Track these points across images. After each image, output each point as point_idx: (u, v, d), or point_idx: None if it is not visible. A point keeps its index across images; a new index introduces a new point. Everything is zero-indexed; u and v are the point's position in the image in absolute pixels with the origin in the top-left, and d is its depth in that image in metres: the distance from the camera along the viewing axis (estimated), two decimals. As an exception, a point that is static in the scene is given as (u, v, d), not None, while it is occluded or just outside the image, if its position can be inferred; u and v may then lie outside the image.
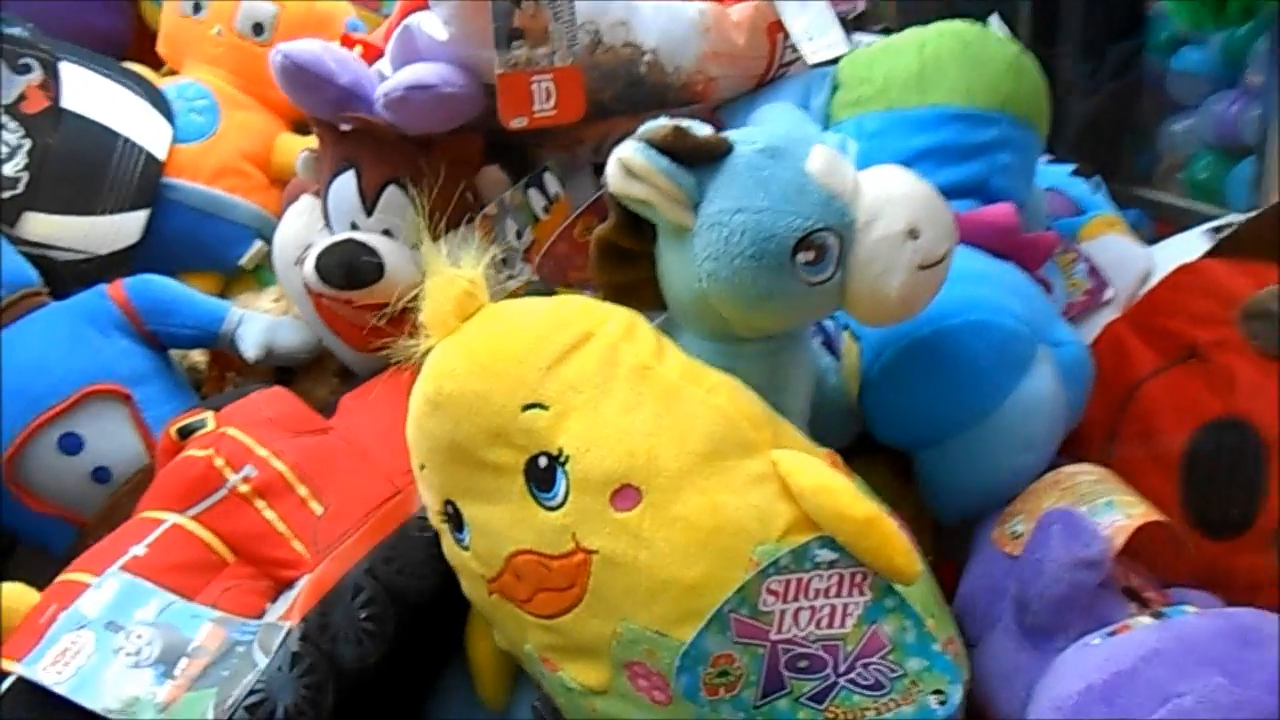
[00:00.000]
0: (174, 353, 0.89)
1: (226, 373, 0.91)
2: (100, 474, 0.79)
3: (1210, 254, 0.83)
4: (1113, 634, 0.55)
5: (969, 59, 0.79)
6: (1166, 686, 0.49)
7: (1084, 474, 0.69)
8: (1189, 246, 0.88)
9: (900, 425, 0.73)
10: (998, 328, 0.69)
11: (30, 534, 0.83)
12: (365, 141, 0.79)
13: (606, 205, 0.65)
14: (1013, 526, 0.68)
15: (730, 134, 0.62)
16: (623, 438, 0.55)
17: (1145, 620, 0.55)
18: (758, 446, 0.56)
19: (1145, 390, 0.78)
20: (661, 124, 0.61)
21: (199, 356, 0.93)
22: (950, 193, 0.77)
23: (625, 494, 0.54)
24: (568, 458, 0.55)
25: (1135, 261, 0.87)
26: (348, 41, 0.85)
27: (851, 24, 1.07)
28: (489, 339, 0.58)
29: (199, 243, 1.00)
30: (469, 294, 0.60)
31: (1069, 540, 0.59)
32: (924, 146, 0.78)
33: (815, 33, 0.84)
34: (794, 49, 0.86)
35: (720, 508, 0.54)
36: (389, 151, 0.78)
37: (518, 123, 0.73)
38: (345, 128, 0.80)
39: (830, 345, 0.79)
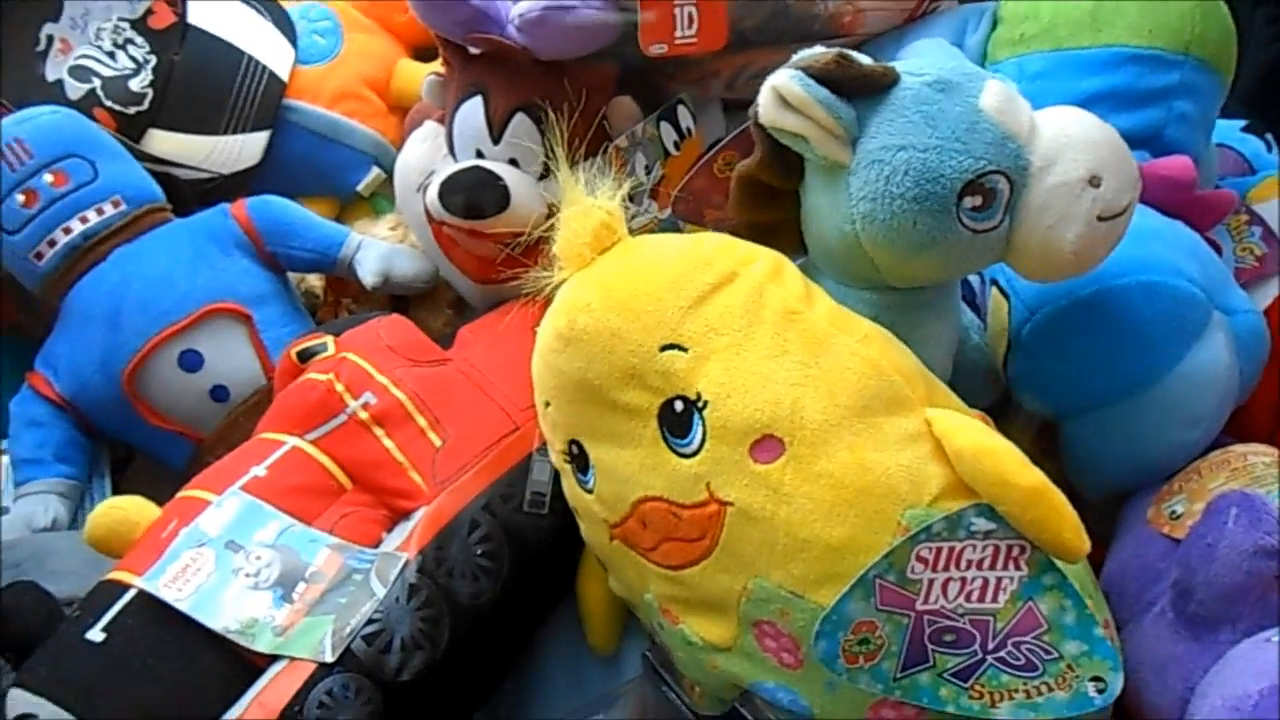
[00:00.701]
0: (291, 277, 0.89)
1: (342, 299, 0.90)
2: (218, 392, 0.79)
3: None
4: (1296, 631, 0.50)
5: (1151, -4, 0.72)
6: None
7: (1258, 455, 0.63)
8: (1376, 214, 0.80)
9: (1051, 391, 0.68)
10: (1170, 290, 0.63)
11: (148, 448, 0.83)
12: (494, 66, 0.75)
13: (751, 139, 0.61)
14: (1171, 506, 0.63)
15: (897, 64, 0.57)
16: (766, 385, 0.52)
17: (1336, 618, 0.50)
18: (911, 403, 0.52)
19: (1320, 368, 0.71)
20: (821, 51, 0.56)
21: (316, 281, 0.92)
22: None
23: (766, 445, 0.51)
24: (706, 403, 0.52)
25: (1315, 227, 0.80)
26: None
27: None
28: (627, 274, 0.55)
29: (317, 167, 0.98)
30: (606, 226, 0.57)
31: (1249, 525, 0.53)
32: (1094, 90, 0.72)
33: (976, -37, 0.77)
34: (950, -19, 0.80)
35: (869, 466, 0.50)
36: (519, 77, 0.75)
37: (657, 49, 0.69)
38: (475, 51, 0.77)
39: (972, 301, 0.74)
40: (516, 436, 0.67)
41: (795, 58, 0.57)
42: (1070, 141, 0.56)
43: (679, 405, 0.53)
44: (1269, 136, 0.94)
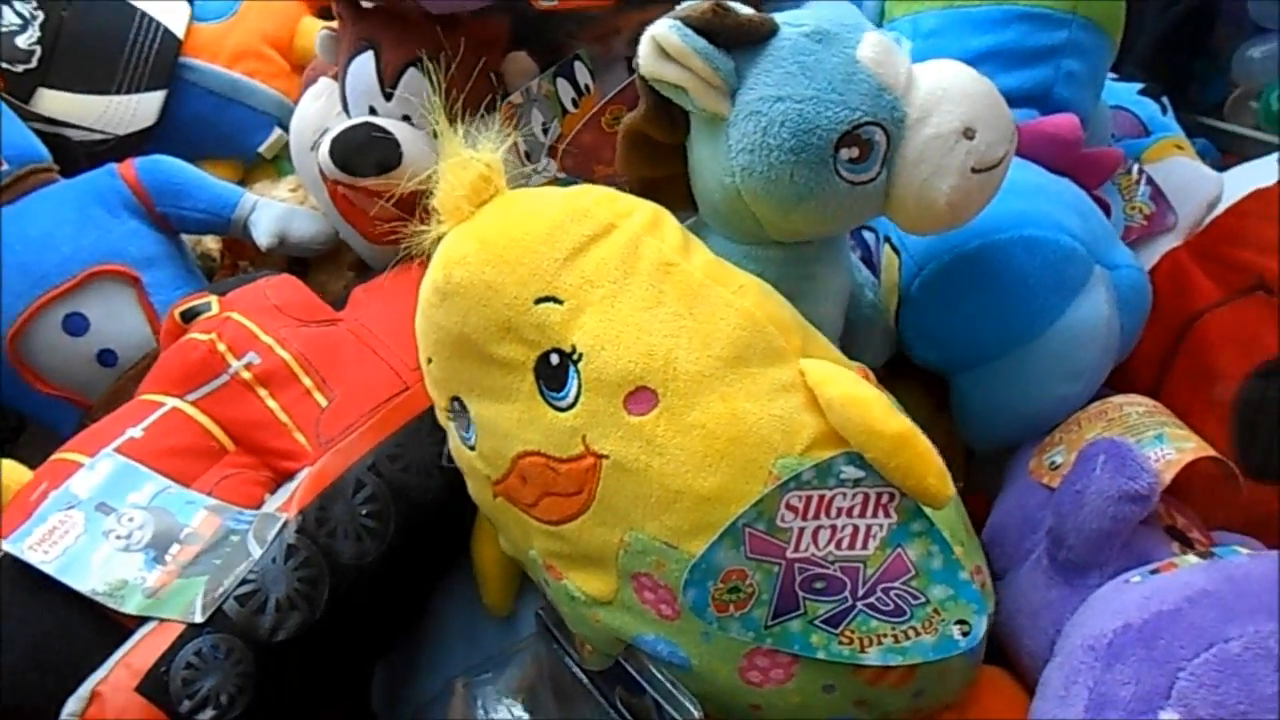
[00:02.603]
0: (187, 239, 0.86)
1: (239, 261, 0.88)
2: (106, 356, 0.77)
3: (1287, 181, 0.77)
4: (1155, 572, 0.51)
5: (1040, -46, 0.72)
6: (1213, 630, 0.45)
7: (1134, 405, 0.64)
8: (1261, 174, 0.82)
9: (939, 345, 0.68)
10: (1052, 244, 0.64)
11: (38, 415, 0.81)
12: (386, 20, 0.74)
13: (637, 93, 0.60)
14: (1051, 457, 0.65)
15: (777, 15, 0.57)
16: (640, 337, 0.51)
17: (1192, 560, 0.51)
18: (785, 354, 0.52)
19: (1203, 323, 0.73)
20: (700, 2, 0.56)
21: (212, 243, 0.90)
22: (1010, 99, 0.71)
23: (640, 396, 0.51)
24: (581, 355, 0.52)
25: (1203, 186, 0.81)
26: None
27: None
28: (504, 226, 0.54)
29: (217, 128, 0.96)
30: (485, 179, 0.56)
31: (1115, 471, 0.55)
32: (984, 48, 0.73)
33: (872, -81, 0.77)
34: (849, -61, 0.80)
35: (741, 416, 0.50)
36: (411, 31, 0.73)
37: (548, 2, 0.68)
38: (366, 5, 0.75)
39: (869, 260, 0.75)
40: (405, 396, 0.66)
41: (676, 9, 0.56)
42: (946, 94, 0.56)
43: (554, 358, 0.53)
44: (1164, 100, 0.95)
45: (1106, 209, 0.79)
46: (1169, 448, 0.58)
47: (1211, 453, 0.59)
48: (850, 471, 0.50)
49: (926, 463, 0.49)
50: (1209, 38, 1.26)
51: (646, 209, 0.56)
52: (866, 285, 0.72)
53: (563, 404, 0.53)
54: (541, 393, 0.53)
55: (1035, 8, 0.72)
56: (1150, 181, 0.81)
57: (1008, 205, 0.64)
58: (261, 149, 0.96)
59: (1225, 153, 1.15)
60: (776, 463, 0.50)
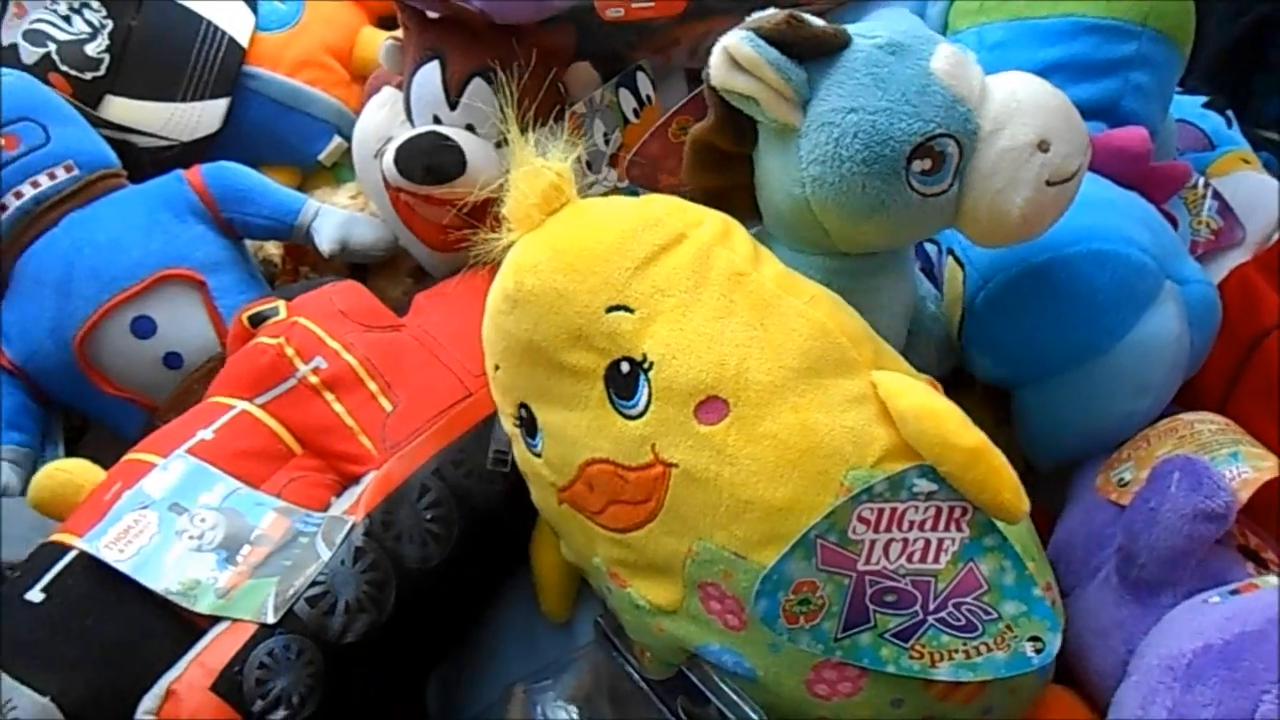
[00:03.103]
0: (249, 245, 0.88)
1: (300, 266, 0.89)
2: (171, 359, 0.78)
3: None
4: (1235, 593, 0.50)
5: (1111, -34, 0.72)
6: (1297, 652, 0.44)
7: (1205, 422, 0.63)
8: (1332, 189, 0.81)
9: (1004, 359, 0.68)
10: (1122, 259, 0.63)
11: (102, 416, 0.82)
12: (452, 30, 0.75)
13: (705, 103, 0.60)
14: (1119, 474, 0.64)
15: (849, 27, 0.57)
16: (712, 346, 0.51)
17: (1273, 580, 0.50)
18: (856, 366, 0.52)
19: (1272, 340, 0.72)
20: (773, 13, 0.56)
21: (274, 249, 0.91)
22: (1079, 113, 0.72)
23: (711, 406, 0.51)
24: (651, 364, 0.52)
25: (1270, 200, 0.80)
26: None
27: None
28: (575, 235, 0.55)
29: (278, 135, 0.97)
30: (556, 187, 0.56)
31: (1190, 489, 0.54)
32: (1052, 60, 0.72)
33: (939, -70, 0.77)
34: (913, -50, 0.80)
35: (813, 428, 0.50)
36: (476, 41, 0.74)
37: (614, 13, 0.69)
38: (432, 15, 0.76)
39: (930, 272, 0.74)
40: (469, 402, 0.66)
41: (749, 19, 0.57)
42: (1020, 106, 0.56)
43: (625, 366, 0.53)
44: (1229, 113, 0.94)
45: (1174, 223, 0.78)
46: (1245, 465, 0.57)
47: (1289, 472, 0.58)
48: (923, 485, 0.50)
49: (1002, 477, 0.49)
50: (1269, 52, 1.24)
51: (717, 219, 0.56)
52: (929, 298, 0.71)
53: (633, 412, 0.53)
54: (611, 401, 0.53)
55: (1104, 20, 0.71)
56: (1217, 195, 0.80)
57: (1077, 219, 0.63)
58: (321, 156, 0.97)
59: (1287, 167, 1.13)
60: (848, 474, 0.50)
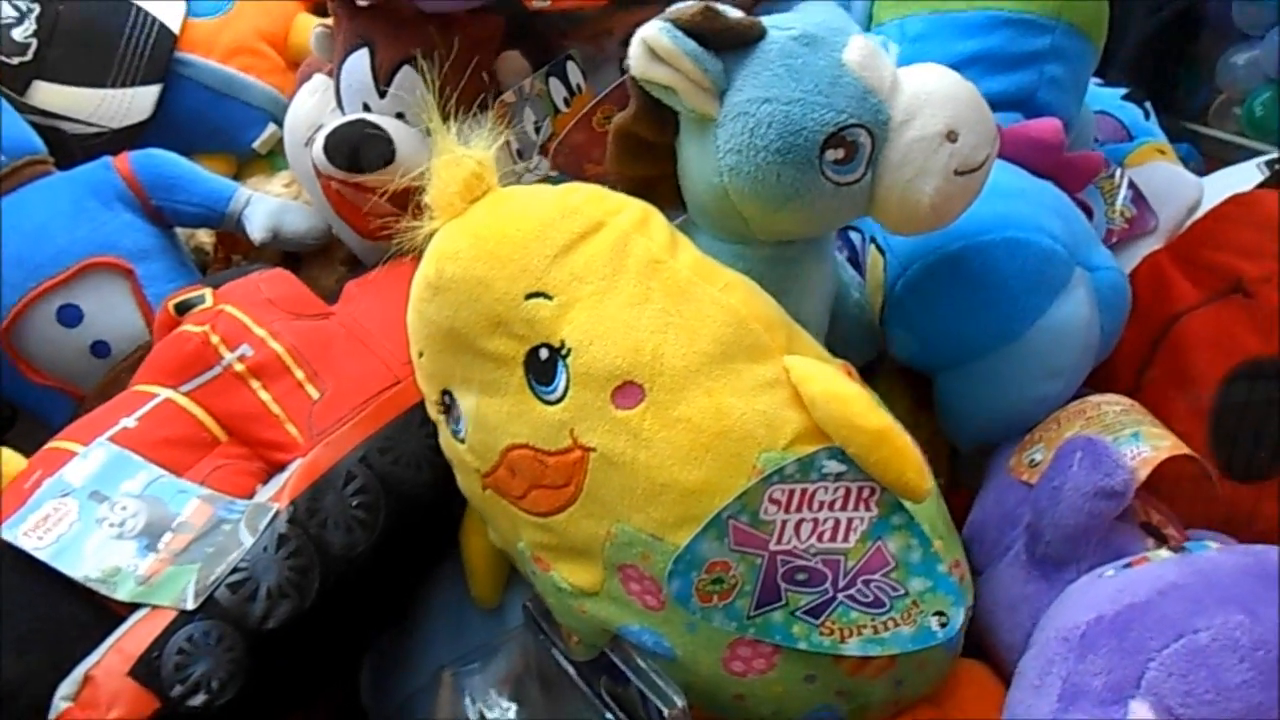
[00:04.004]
0: (181, 233, 0.87)
1: (232, 255, 0.89)
2: (99, 348, 0.78)
3: (1265, 184, 0.78)
4: (1128, 566, 0.52)
5: (1027, -40, 0.74)
6: (1182, 621, 0.46)
7: (1111, 404, 0.66)
8: (1242, 178, 0.84)
9: (922, 345, 0.70)
10: (1033, 246, 0.65)
11: (31, 405, 0.82)
12: (381, 18, 0.75)
13: (628, 93, 0.61)
14: (1031, 454, 0.66)
15: (765, 19, 0.58)
16: (628, 332, 0.52)
17: (1164, 554, 0.52)
18: (769, 350, 0.53)
19: (1182, 325, 0.74)
20: (690, 4, 0.57)
21: (206, 237, 0.90)
22: (994, 103, 0.72)
23: (627, 391, 0.52)
24: (569, 350, 0.53)
25: (1183, 191, 0.83)
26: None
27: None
28: (495, 223, 0.55)
29: (212, 123, 0.97)
30: (477, 175, 0.57)
31: (1090, 468, 0.56)
32: (970, 52, 0.74)
33: (862, -78, 0.78)
34: (839, -56, 0.81)
35: (726, 411, 0.51)
36: (405, 29, 0.74)
37: (540, 3, 0.69)
38: (361, 3, 0.76)
39: (855, 260, 0.76)
40: (397, 389, 0.66)
41: (667, 11, 0.57)
42: (930, 97, 0.57)
43: (544, 353, 0.54)
44: (1147, 105, 0.97)
45: (1089, 212, 0.81)
46: (1144, 445, 0.59)
47: (1186, 451, 0.60)
48: (832, 466, 0.51)
49: (905, 458, 0.50)
50: (1194, 44, 1.27)
51: (636, 207, 0.57)
52: (852, 284, 0.73)
53: (552, 398, 0.53)
54: (531, 387, 0.54)
55: (1020, 13, 0.73)
56: (1132, 185, 0.83)
57: (990, 207, 0.65)
58: (256, 144, 0.96)
59: (1208, 158, 1.17)
60: (760, 457, 0.51)
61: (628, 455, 0.52)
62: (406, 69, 0.74)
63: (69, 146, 0.91)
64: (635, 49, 0.57)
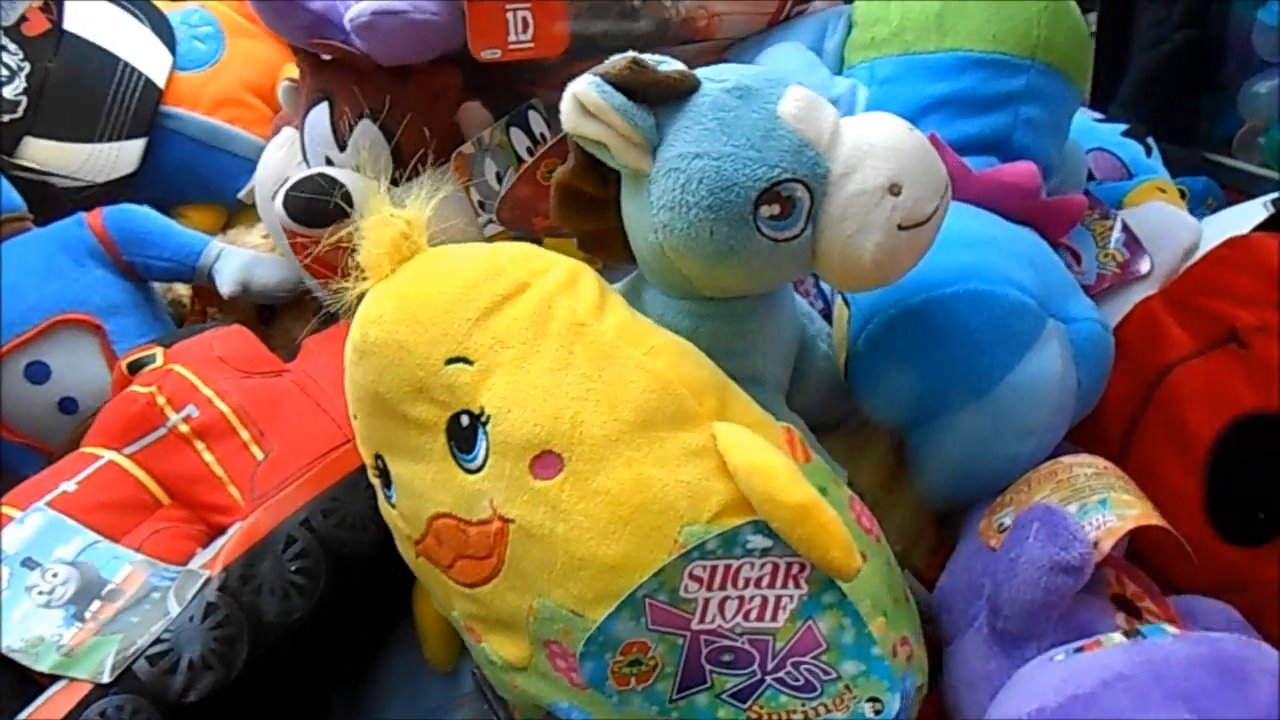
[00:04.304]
0: (159, 287, 0.88)
1: (209, 308, 0.89)
2: (67, 404, 0.78)
3: (1262, 227, 0.74)
4: (1080, 650, 0.48)
5: (998, 0, 0.71)
6: (1125, 716, 0.43)
7: (1084, 466, 0.62)
8: (1245, 218, 0.79)
9: (886, 400, 0.67)
10: (999, 299, 0.62)
11: (4, 459, 0.82)
12: (340, 72, 0.75)
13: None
14: (1000, 518, 0.62)
15: (700, 70, 0.56)
16: (547, 399, 0.50)
17: (1117, 639, 0.48)
18: (697, 418, 0.51)
19: (1176, 375, 0.70)
20: (619, 58, 0.55)
21: (183, 290, 0.91)
22: (967, 147, 0.71)
23: (546, 461, 0.50)
24: (489, 418, 0.51)
25: (1180, 233, 0.78)
26: (331, -36, 0.80)
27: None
28: (420, 285, 0.54)
29: (199, 174, 0.98)
30: (405, 235, 0.56)
31: (1047, 540, 0.52)
32: (940, 95, 0.71)
33: (831, -35, 0.76)
34: (811, -15, 0.79)
35: (647, 483, 0.49)
36: (364, 83, 0.74)
37: (489, 54, 0.68)
38: (326, 57, 0.76)
39: (828, 312, 0.73)
40: (346, 449, 0.65)
41: (597, 66, 0.56)
42: (872, 149, 0.55)
43: (464, 420, 0.52)
44: (1150, 141, 0.93)
45: (1077, 256, 0.77)
46: (1110, 514, 0.56)
47: (1156, 521, 0.56)
48: (758, 541, 0.48)
49: (830, 534, 0.47)
50: (1219, 72, 1.22)
51: (564, 267, 0.55)
52: (820, 336, 0.70)
53: (473, 466, 0.52)
54: (453, 454, 0.52)
55: (991, 54, 0.70)
56: (1125, 228, 0.79)
57: (954, 258, 0.63)
58: (241, 194, 0.97)
59: (1230, 190, 1.12)
60: (683, 531, 0.48)
61: (546, 527, 0.50)
62: (365, 122, 0.74)
63: (59, 199, 0.92)
64: (566, 104, 0.56)
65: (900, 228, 0.54)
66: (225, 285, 0.82)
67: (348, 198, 0.72)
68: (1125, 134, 0.92)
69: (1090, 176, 0.88)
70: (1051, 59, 0.71)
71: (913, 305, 0.63)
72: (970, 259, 0.63)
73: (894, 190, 0.54)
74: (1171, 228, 0.80)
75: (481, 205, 0.75)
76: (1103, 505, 0.57)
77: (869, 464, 0.72)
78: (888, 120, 0.56)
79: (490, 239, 0.75)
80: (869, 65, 0.74)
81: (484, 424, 0.51)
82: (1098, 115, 0.96)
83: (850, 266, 0.55)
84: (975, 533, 0.63)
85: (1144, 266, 0.77)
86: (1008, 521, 0.61)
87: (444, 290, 0.53)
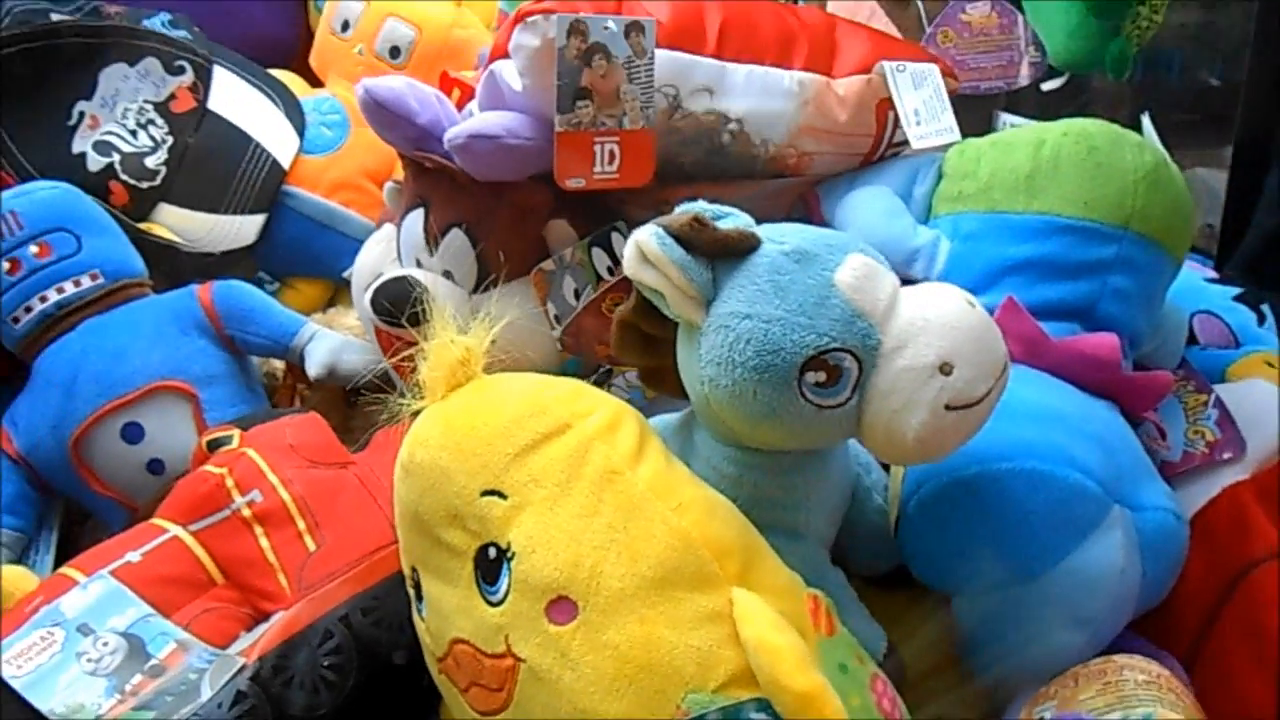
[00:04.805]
0: (257, 359, 0.92)
1: (298, 384, 0.94)
2: (155, 465, 0.83)
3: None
4: None
5: (1092, 166, 0.69)
6: None
7: (1136, 671, 0.58)
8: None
9: (933, 567, 0.65)
10: (1058, 481, 0.60)
11: (93, 510, 0.88)
12: (439, 181, 0.78)
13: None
14: (1041, 711, 0.59)
15: (762, 229, 0.57)
16: (571, 544, 0.51)
17: None
18: (717, 580, 0.51)
19: (1261, 573, 0.66)
20: (685, 210, 0.56)
21: (278, 364, 0.95)
22: (1049, 312, 0.69)
23: (561, 606, 0.50)
24: (514, 554, 0.52)
25: (1282, 415, 0.74)
26: (445, 80, 0.85)
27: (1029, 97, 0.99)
28: (467, 414, 0.56)
29: (311, 251, 1.03)
30: (462, 362, 0.57)
31: (1074, 756, 0.50)
32: (1024, 257, 0.70)
33: (925, 115, 0.76)
34: (910, 129, 0.79)
35: (657, 643, 0.49)
36: (458, 194, 0.77)
37: (574, 183, 0.71)
38: (427, 165, 0.80)
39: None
40: (394, 549, 0.67)
41: (662, 218, 0.57)
42: (926, 325, 0.54)
43: (491, 552, 0.53)
44: (1265, 308, 0.88)
45: (1162, 433, 0.73)
46: (1151, 733, 0.52)
47: (1201, 748, 0.53)
48: (760, 719, 0.48)
49: (829, 729, 0.46)
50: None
51: (608, 410, 0.56)
52: (875, 488, 0.69)
53: (494, 599, 0.52)
54: (478, 583, 0.53)
55: (1081, 221, 0.69)
56: (1220, 404, 0.75)
57: (1016, 432, 0.61)
58: (345, 274, 1.02)
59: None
60: (686, 697, 0.48)
61: (554, 674, 0.50)
62: (455, 231, 0.77)
63: (182, 264, 0.99)
64: (628, 250, 0.57)
65: (948, 408, 0.53)
66: (313, 368, 0.86)
67: (426, 303, 0.75)
68: (1237, 299, 0.88)
69: (1193, 340, 0.84)
70: (1146, 229, 0.69)
71: (966, 476, 0.61)
72: (1033, 435, 0.61)
73: (945, 370, 0.53)
74: (1273, 410, 0.75)
75: (557, 319, 0.77)
76: (1145, 721, 0.53)
77: (924, 627, 0.69)
78: (950, 294, 0.56)
79: (560, 355, 0.77)
80: (954, 218, 0.73)
81: (509, 559, 0.52)
82: (1211, 275, 0.92)
83: (893, 441, 0.54)
84: (1014, 721, 0.60)
85: (1236, 450, 0.73)
86: (1048, 716, 0.58)
87: (489, 422, 0.55)
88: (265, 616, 0.65)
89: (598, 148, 0.70)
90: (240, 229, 1.00)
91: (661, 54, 0.71)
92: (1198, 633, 0.67)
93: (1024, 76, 0.97)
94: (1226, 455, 0.73)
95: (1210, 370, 0.80)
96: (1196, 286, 0.88)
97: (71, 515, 0.91)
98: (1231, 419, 0.74)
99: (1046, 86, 1.00)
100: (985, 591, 0.62)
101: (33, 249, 0.85)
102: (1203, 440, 0.74)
